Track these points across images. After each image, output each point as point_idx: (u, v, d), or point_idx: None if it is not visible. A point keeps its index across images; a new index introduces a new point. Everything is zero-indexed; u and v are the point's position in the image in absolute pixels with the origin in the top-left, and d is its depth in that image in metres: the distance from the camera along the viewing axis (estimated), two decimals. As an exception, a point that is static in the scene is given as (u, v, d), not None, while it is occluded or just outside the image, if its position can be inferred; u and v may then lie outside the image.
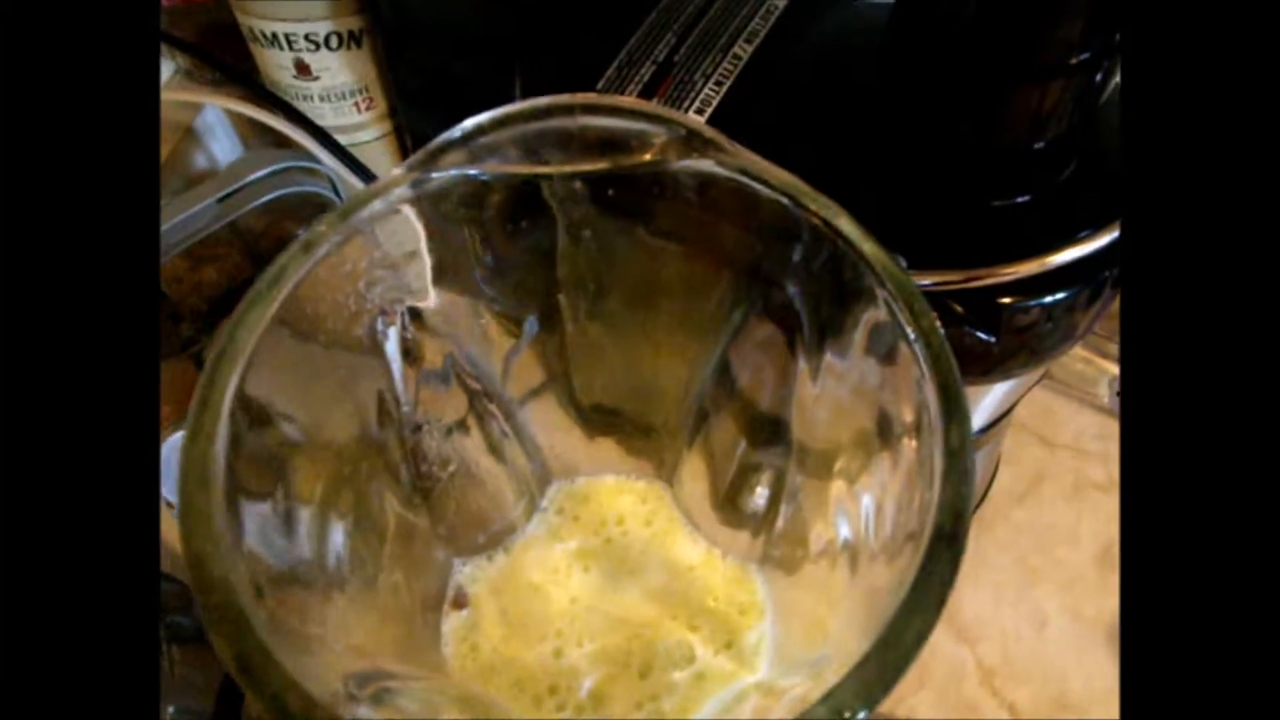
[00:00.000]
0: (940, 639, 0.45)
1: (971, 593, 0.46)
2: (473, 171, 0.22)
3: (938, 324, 0.19)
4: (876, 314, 0.21)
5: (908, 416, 0.20)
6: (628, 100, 0.22)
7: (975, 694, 0.44)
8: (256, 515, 0.20)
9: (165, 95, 0.55)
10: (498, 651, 0.30)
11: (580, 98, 0.22)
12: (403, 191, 0.22)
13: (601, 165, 0.23)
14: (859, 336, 0.22)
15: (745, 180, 0.22)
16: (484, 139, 0.22)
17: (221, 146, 0.58)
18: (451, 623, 0.31)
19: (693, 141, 0.22)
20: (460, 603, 0.32)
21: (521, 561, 0.33)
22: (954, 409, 0.18)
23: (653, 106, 0.22)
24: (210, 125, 0.58)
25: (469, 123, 0.22)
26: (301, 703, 0.16)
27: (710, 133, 0.22)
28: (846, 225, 0.21)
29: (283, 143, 0.48)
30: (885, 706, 0.43)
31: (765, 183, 0.21)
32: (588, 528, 0.33)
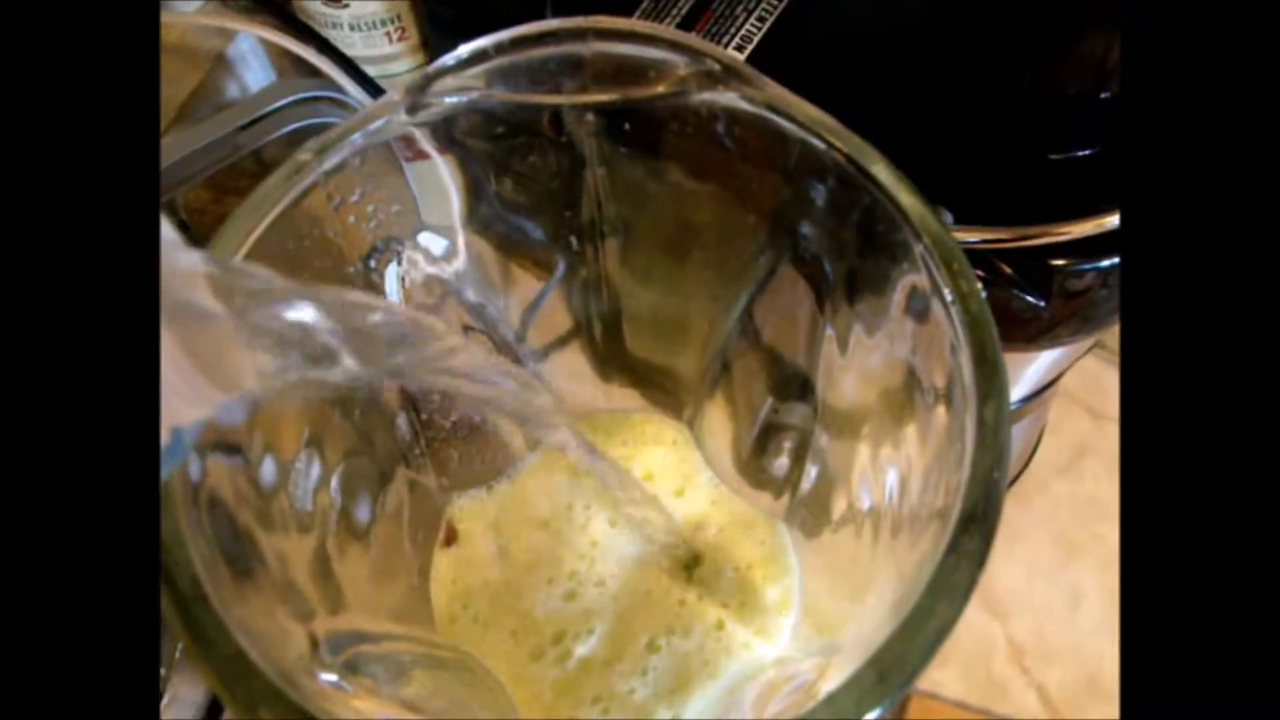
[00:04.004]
0: (970, 612, 0.43)
1: (1005, 566, 0.45)
2: (475, 97, 0.20)
3: (978, 286, 0.17)
4: (911, 271, 0.19)
5: (940, 386, 0.18)
6: (644, 25, 0.20)
7: (1004, 672, 0.43)
8: (227, 460, 0.19)
9: (194, 20, 0.54)
10: (496, 597, 0.29)
11: (593, 21, 0.20)
12: (397, 117, 0.20)
13: (614, 96, 0.21)
14: (891, 295, 0.20)
15: (771, 116, 0.20)
16: (488, 63, 0.20)
17: (254, 75, 0.57)
18: (440, 565, 0.29)
19: (715, 73, 0.20)
20: (450, 539, 0.30)
21: (525, 491, 0.31)
22: (991, 381, 0.16)
23: (672, 32, 0.20)
24: (243, 54, 0.57)
25: (472, 45, 0.20)
26: (252, 685, 0.14)
27: (735, 63, 0.20)
28: (881, 171, 0.19)
29: (315, 73, 0.47)
30: (909, 680, 0.42)
31: (793, 120, 0.19)
32: None
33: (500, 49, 0.20)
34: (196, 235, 0.46)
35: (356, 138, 0.20)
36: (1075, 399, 0.50)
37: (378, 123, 0.20)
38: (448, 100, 0.20)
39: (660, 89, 0.20)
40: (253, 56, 0.57)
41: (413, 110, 0.20)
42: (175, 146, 0.43)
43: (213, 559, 0.17)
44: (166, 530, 0.16)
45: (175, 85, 0.55)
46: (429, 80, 0.20)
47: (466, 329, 0.27)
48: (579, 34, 0.20)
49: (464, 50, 0.20)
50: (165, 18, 0.54)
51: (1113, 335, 0.48)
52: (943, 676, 0.43)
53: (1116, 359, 0.49)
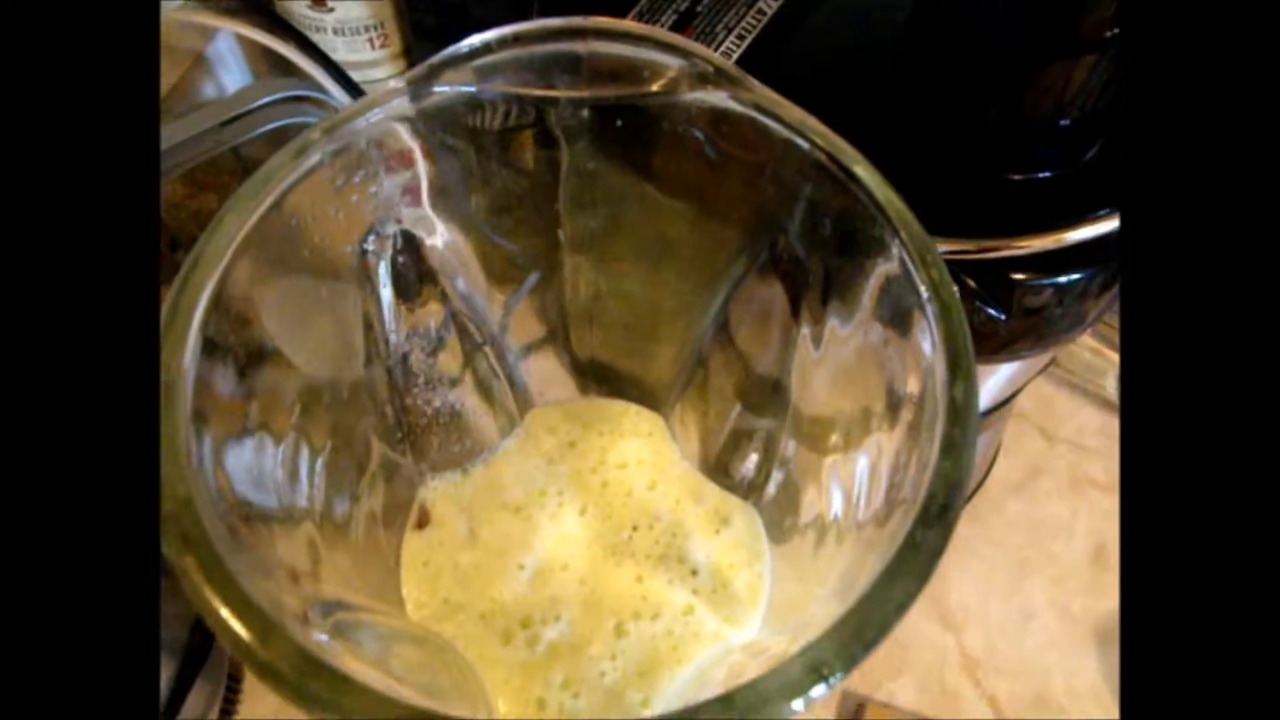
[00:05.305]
0: (925, 625, 0.45)
1: (960, 580, 0.46)
2: (475, 89, 0.21)
3: (949, 278, 0.18)
4: (887, 265, 0.20)
5: (912, 377, 0.19)
6: (642, 27, 0.21)
7: (957, 683, 0.44)
8: (224, 436, 0.19)
9: (176, 16, 0.54)
10: (465, 579, 0.29)
11: (593, 21, 0.21)
12: (401, 104, 0.21)
13: (609, 93, 0.22)
14: (867, 290, 0.21)
15: (758, 116, 0.21)
16: (490, 57, 0.21)
17: (232, 76, 0.57)
18: (412, 546, 0.30)
19: (706, 74, 0.21)
20: (423, 521, 0.30)
21: (500, 475, 0.31)
22: (960, 366, 0.17)
23: (668, 35, 0.21)
24: (222, 54, 0.57)
25: (476, 39, 0.21)
26: (256, 622, 0.15)
27: (726, 66, 0.21)
28: (862, 170, 0.20)
29: (294, 74, 0.47)
30: (864, 689, 0.43)
31: (780, 120, 0.20)
32: (584, 459, 0.32)
33: (503, 43, 0.21)
34: (172, 229, 0.46)
35: (362, 122, 0.21)
36: (1029, 421, 0.51)
37: (383, 108, 0.21)
38: (450, 89, 0.21)
39: (653, 88, 0.21)
40: (231, 57, 0.57)
41: (416, 99, 0.21)
42: (155, 141, 0.43)
43: (215, 522, 0.17)
44: (183, 488, 0.16)
45: (154, 83, 0.55)
46: (433, 71, 0.21)
47: (453, 313, 0.28)
48: (578, 33, 0.21)
49: (467, 44, 0.21)
50: (148, 15, 0.54)
51: (1067, 355, 0.50)
52: (897, 687, 0.44)
53: (1070, 380, 0.51)
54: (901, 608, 0.17)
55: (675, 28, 0.34)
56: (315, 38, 0.46)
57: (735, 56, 0.33)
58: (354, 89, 0.45)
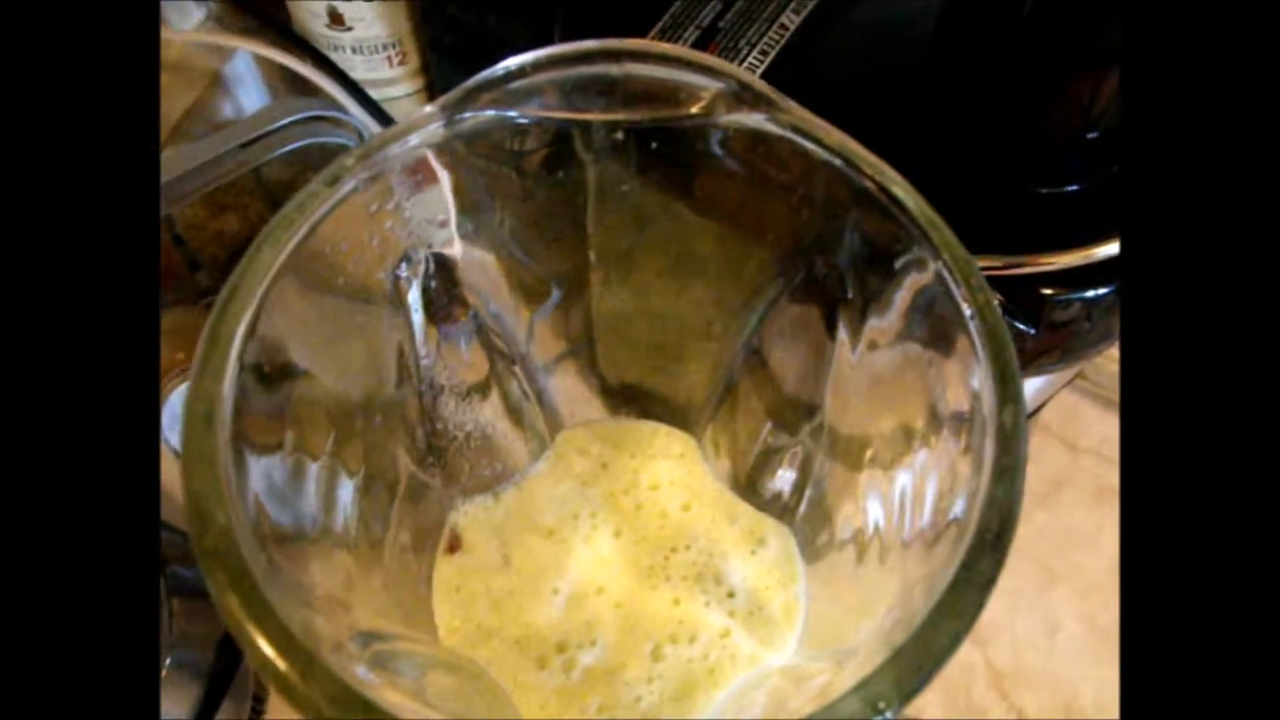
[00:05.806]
0: (951, 640, 0.44)
1: (986, 594, 0.45)
2: (509, 114, 0.21)
3: (994, 301, 0.18)
4: (928, 286, 0.19)
5: (956, 398, 0.19)
6: (677, 49, 0.21)
7: (984, 697, 0.44)
8: (262, 462, 0.19)
9: (193, 38, 0.54)
10: (499, 605, 0.29)
11: (628, 43, 0.21)
12: (435, 129, 0.21)
13: (645, 116, 0.22)
14: (907, 311, 0.21)
15: (797, 139, 0.21)
16: (524, 81, 0.21)
17: (250, 96, 0.58)
18: (443, 572, 0.29)
19: (744, 95, 0.21)
20: (454, 546, 0.30)
21: (532, 499, 0.31)
22: (1008, 391, 0.17)
23: (704, 57, 0.21)
24: (239, 74, 0.57)
25: (510, 62, 0.21)
26: (296, 657, 0.15)
27: (763, 87, 0.21)
28: (901, 191, 0.19)
29: (312, 93, 0.47)
30: (890, 704, 0.43)
31: (818, 142, 0.20)
32: (616, 481, 0.32)
33: (537, 66, 0.21)
34: (192, 250, 0.46)
35: (396, 148, 0.21)
36: (1052, 432, 0.51)
37: (418, 134, 0.21)
38: (483, 114, 0.21)
39: (690, 110, 0.21)
40: (249, 76, 0.58)
41: (450, 123, 0.21)
42: (175, 162, 0.43)
43: (255, 551, 0.17)
44: (222, 516, 0.16)
45: (171, 102, 0.55)
46: (468, 95, 0.21)
47: (483, 334, 0.28)
48: (613, 55, 0.21)
49: (502, 67, 0.21)
50: (164, 35, 0.54)
51: (1093, 367, 0.50)
52: (924, 701, 0.43)
53: (1094, 392, 0.51)
54: (957, 639, 0.17)
55: (698, 44, 0.34)
56: (333, 56, 0.46)
57: (759, 72, 0.33)
58: (373, 107, 0.45)
